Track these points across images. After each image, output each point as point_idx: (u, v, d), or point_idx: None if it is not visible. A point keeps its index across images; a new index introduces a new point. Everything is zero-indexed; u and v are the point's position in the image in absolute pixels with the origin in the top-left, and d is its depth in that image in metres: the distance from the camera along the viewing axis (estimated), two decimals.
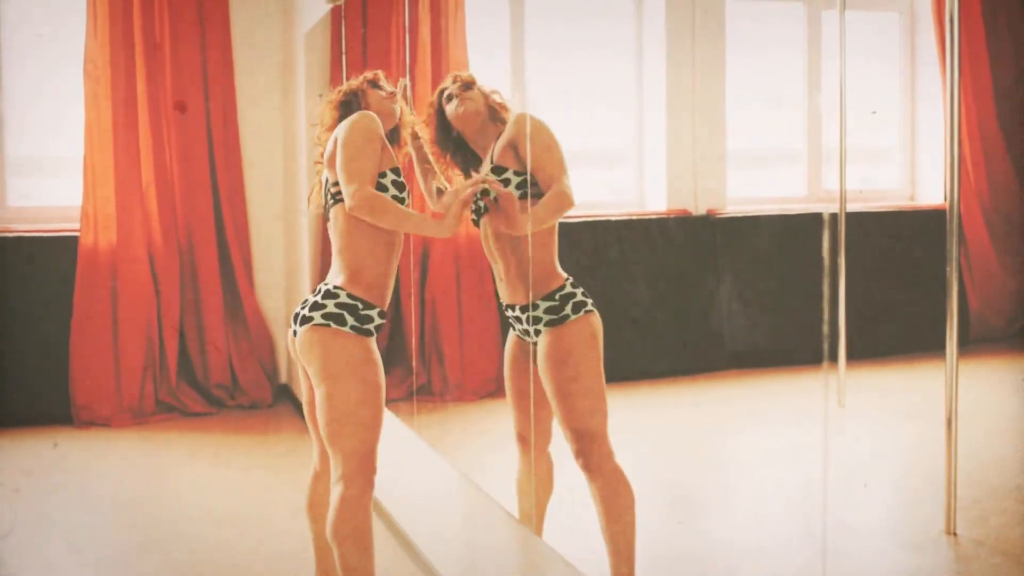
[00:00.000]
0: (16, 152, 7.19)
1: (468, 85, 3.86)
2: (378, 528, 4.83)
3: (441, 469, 4.24)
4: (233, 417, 7.07)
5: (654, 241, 4.75)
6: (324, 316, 3.53)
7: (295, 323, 3.63)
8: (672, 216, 4.65)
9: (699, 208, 4.55)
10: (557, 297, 3.67)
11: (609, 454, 3.60)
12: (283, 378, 7.59)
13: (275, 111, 7.41)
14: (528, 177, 3.66)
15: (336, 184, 3.60)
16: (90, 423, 6.85)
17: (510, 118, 3.81)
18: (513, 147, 3.69)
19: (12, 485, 5.74)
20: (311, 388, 3.68)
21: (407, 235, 4.00)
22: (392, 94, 3.83)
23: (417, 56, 5.55)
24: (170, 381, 7.07)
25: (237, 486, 5.66)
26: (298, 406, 7.14)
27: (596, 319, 3.68)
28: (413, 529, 4.62)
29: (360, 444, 3.53)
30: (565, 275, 3.69)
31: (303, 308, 3.62)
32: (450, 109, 3.86)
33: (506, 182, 3.67)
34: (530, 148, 3.62)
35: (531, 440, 3.90)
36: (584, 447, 3.59)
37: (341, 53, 6.01)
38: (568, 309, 3.65)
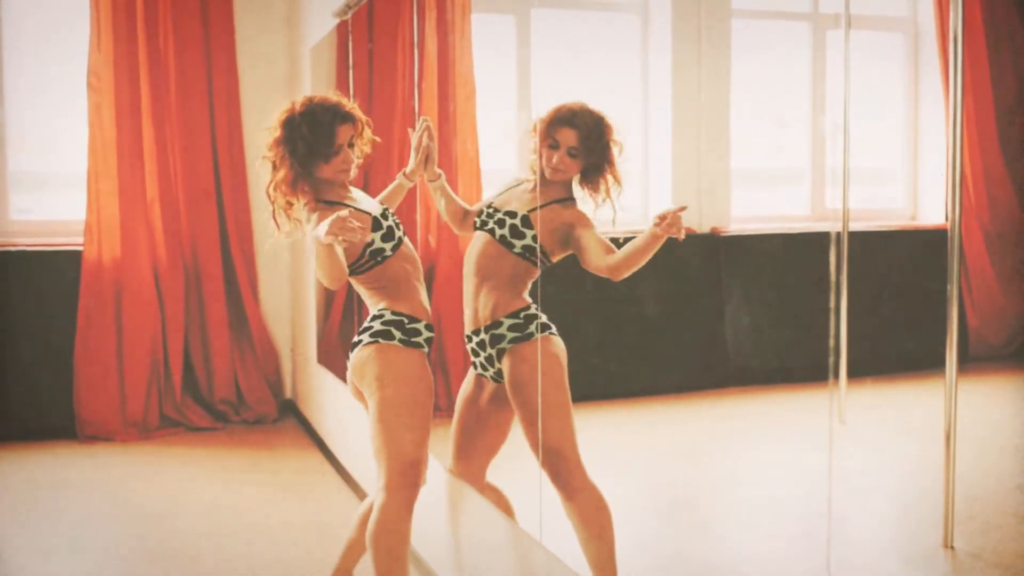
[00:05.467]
0: (19, 166, 7.22)
1: (575, 154, 3.75)
2: None
3: (445, 480, 4.28)
4: (238, 432, 7.10)
5: (658, 258, 4.78)
6: (372, 335, 3.67)
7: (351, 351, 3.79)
8: None
9: (703, 226, 4.59)
10: (522, 316, 3.77)
11: (582, 473, 3.64)
12: (288, 393, 7.62)
13: None
14: (538, 248, 3.77)
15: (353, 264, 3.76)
16: (94, 438, 6.88)
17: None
18: (564, 233, 3.76)
19: (16, 500, 5.76)
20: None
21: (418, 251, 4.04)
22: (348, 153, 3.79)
23: (424, 71, 5.59)
24: (175, 396, 7.09)
25: (242, 500, 5.68)
26: (303, 421, 7.17)
27: (559, 342, 3.75)
28: (417, 537, 4.65)
29: (401, 453, 3.60)
30: (530, 300, 3.78)
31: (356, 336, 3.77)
32: (548, 156, 3.78)
33: (513, 229, 3.77)
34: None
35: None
36: (558, 467, 3.63)
37: (348, 68, 6.05)
38: (533, 327, 3.73)
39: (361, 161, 3.90)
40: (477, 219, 3.91)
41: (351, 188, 3.86)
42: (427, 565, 4.59)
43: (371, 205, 3.82)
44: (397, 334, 3.65)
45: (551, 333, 3.75)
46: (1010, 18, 4.20)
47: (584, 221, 3.75)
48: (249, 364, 7.36)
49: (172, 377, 7.11)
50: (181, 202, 7.18)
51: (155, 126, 7.06)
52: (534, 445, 3.70)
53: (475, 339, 3.88)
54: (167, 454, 6.62)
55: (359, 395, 3.82)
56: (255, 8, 7.48)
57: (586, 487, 3.63)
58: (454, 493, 4.23)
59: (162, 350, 7.11)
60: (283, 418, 7.44)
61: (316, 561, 4.73)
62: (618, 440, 4.73)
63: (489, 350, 3.83)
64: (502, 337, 3.79)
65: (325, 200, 3.72)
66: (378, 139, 3.95)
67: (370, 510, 3.95)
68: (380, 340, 3.65)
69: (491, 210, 3.88)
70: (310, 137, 3.65)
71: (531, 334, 3.73)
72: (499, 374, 3.88)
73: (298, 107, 3.72)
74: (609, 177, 3.78)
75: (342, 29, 6.06)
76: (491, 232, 3.83)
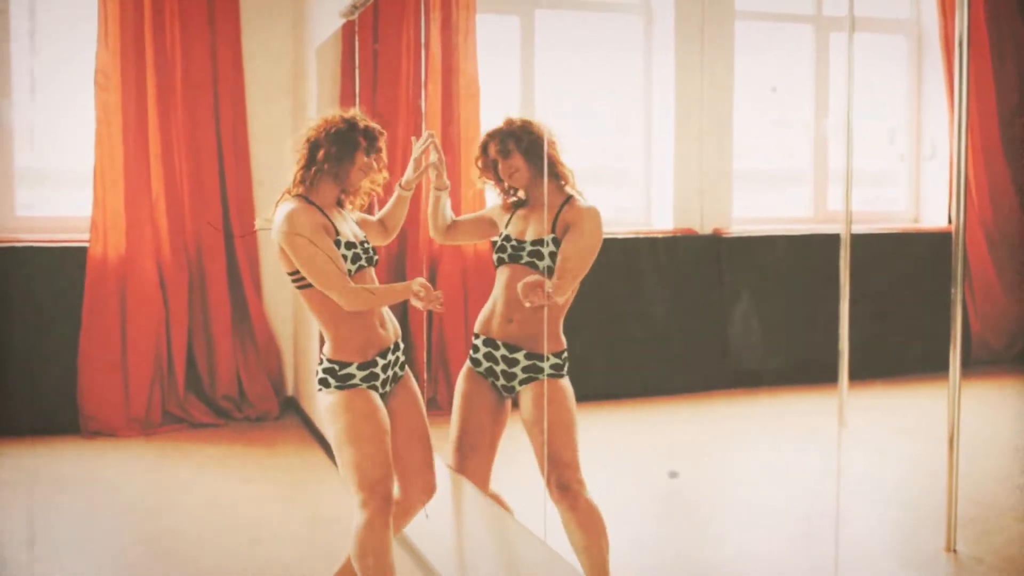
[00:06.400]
0: (25, 162, 7.23)
1: (508, 151, 4.00)
2: None
3: (448, 478, 4.28)
4: (240, 429, 7.10)
5: (660, 259, 4.79)
6: (318, 382, 3.95)
7: None
8: (678, 235, 4.69)
9: (705, 227, 4.59)
10: (563, 357, 3.97)
11: (584, 487, 3.83)
12: (290, 390, 7.62)
13: (285, 124, 7.45)
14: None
15: (294, 273, 3.84)
16: (98, 433, 6.88)
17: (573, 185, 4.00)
18: (568, 229, 3.92)
19: (19, 495, 5.77)
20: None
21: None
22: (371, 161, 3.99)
23: (429, 71, 5.60)
24: (178, 392, 7.10)
25: (244, 497, 5.69)
26: (305, 418, 7.18)
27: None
28: (420, 537, 4.65)
29: (363, 476, 3.80)
30: (565, 341, 4.00)
31: None
32: (502, 170, 4.04)
33: (552, 256, 3.93)
34: (578, 244, 3.88)
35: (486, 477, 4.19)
36: (567, 480, 3.82)
37: (353, 67, 6.05)
38: (565, 369, 3.98)
39: (365, 202, 4.13)
40: (503, 254, 4.04)
41: (343, 210, 4.04)
42: (429, 563, 4.59)
43: (346, 234, 3.94)
44: (333, 382, 3.88)
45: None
46: (1013, 21, 4.20)
47: (578, 226, 3.91)
48: (251, 361, 7.36)
49: (175, 374, 7.12)
50: (186, 200, 7.19)
51: (161, 125, 7.07)
52: (547, 458, 3.87)
53: (501, 350, 4.02)
54: (169, 450, 6.63)
55: None
56: (261, 8, 7.48)
57: (587, 500, 3.81)
58: (458, 492, 4.24)
59: (165, 347, 7.12)
60: (285, 415, 7.45)
61: (317, 557, 4.74)
62: (620, 440, 4.73)
63: (516, 369, 4.00)
64: (540, 369, 3.97)
65: (309, 199, 3.88)
66: (379, 191, 4.18)
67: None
68: (321, 388, 3.93)
69: (516, 243, 4.02)
70: (363, 142, 3.94)
71: (565, 374, 3.98)
72: (506, 389, 4.06)
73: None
74: (551, 154, 3.98)
75: (348, 29, 6.06)
76: (530, 265, 3.96)
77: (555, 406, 3.91)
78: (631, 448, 4.71)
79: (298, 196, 3.87)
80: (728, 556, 4.15)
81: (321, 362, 3.91)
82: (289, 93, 7.51)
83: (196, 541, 5.03)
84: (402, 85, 6.09)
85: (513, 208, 4.11)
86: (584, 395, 4.11)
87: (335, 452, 3.88)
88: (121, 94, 6.96)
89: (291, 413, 7.49)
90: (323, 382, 3.90)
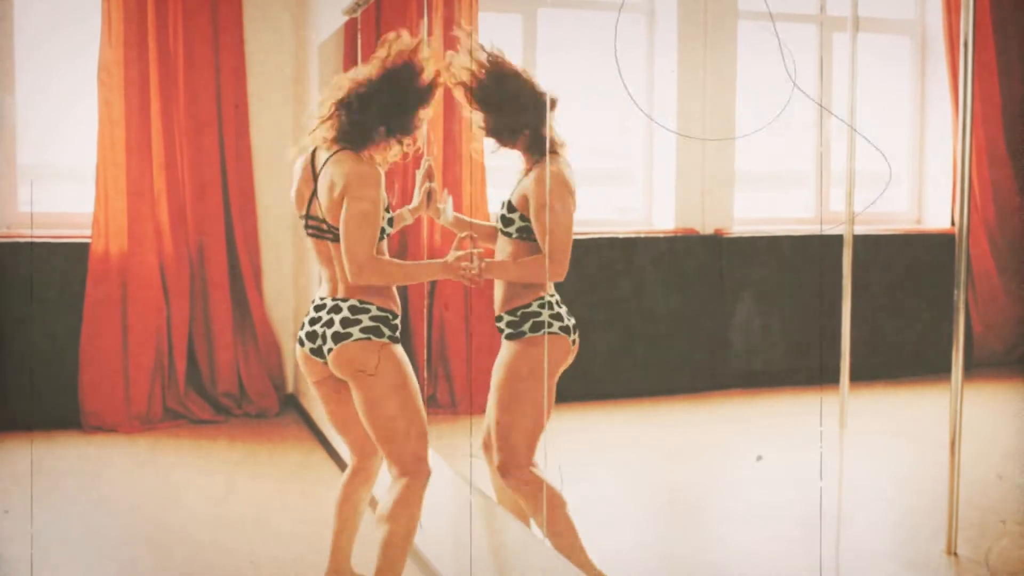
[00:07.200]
0: (28, 159, 7.22)
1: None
2: None
3: (449, 477, 4.28)
4: (240, 425, 7.10)
5: (662, 259, 4.78)
6: (363, 330, 3.67)
7: (323, 340, 3.73)
8: (680, 235, 4.68)
9: (706, 228, 4.58)
10: (519, 314, 3.80)
11: (523, 466, 3.76)
12: (290, 387, 7.62)
13: (287, 121, 7.44)
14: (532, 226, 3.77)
15: (327, 221, 3.69)
16: (98, 429, 6.88)
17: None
18: (527, 198, 3.75)
19: (20, 490, 5.77)
20: (336, 393, 3.86)
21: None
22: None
23: None
24: (178, 388, 7.10)
25: (244, 493, 5.68)
26: (304, 415, 7.17)
27: (561, 341, 3.80)
28: (420, 537, 4.65)
29: (420, 443, 3.74)
30: (542, 295, 3.78)
31: (329, 326, 3.71)
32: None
33: (510, 221, 3.79)
34: (538, 203, 3.71)
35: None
36: (504, 459, 3.77)
37: (355, 65, 6.04)
38: (526, 327, 3.80)
39: (386, 167, 3.91)
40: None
41: None
42: (429, 563, 4.58)
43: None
44: (386, 331, 3.69)
45: (548, 332, 3.79)
46: (1018, 22, 4.19)
47: (539, 195, 3.72)
48: (252, 358, 7.36)
49: (176, 370, 7.12)
50: (188, 197, 7.19)
51: (164, 122, 7.06)
52: (492, 430, 3.83)
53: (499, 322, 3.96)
54: (170, 446, 6.63)
55: (319, 371, 3.84)
56: (264, 5, 7.48)
57: (529, 480, 3.78)
58: (463, 496, 4.23)
59: (166, 343, 7.12)
60: (285, 412, 7.44)
61: (316, 553, 4.73)
62: (620, 440, 4.73)
63: (507, 330, 3.89)
64: (501, 331, 3.87)
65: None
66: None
67: (352, 495, 4.12)
68: (372, 337, 3.67)
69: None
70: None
71: (522, 333, 3.80)
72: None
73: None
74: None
75: (350, 27, 6.05)
76: (505, 234, 3.86)
77: (499, 376, 3.85)
78: (632, 448, 4.70)
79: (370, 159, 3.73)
80: (728, 557, 4.14)
81: (367, 310, 3.70)
82: (291, 91, 7.50)
83: (196, 537, 5.03)
84: None
85: None
86: (585, 395, 4.11)
87: (381, 412, 3.71)
88: (124, 91, 6.96)
89: (291, 410, 7.48)
90: (374, 331, 3.68)
